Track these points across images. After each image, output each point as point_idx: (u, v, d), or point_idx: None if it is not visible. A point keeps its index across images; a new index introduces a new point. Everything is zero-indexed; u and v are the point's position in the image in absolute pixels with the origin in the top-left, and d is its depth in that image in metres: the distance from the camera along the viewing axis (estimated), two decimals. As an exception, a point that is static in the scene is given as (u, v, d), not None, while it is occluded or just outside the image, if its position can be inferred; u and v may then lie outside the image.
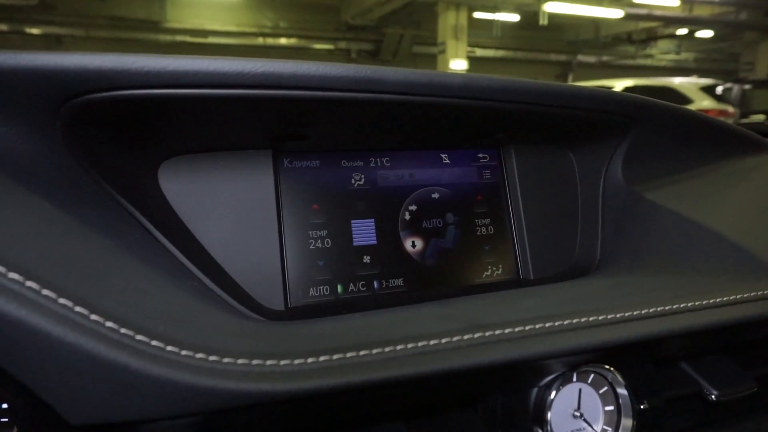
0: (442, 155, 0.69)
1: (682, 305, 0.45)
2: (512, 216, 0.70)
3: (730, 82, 7.71)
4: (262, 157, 0.58)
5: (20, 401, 0.31)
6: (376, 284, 0.62)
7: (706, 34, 12.83)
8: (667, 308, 0.45)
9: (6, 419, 0.36)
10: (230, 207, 0.56)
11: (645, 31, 12.82)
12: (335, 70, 0.46)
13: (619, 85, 7.83)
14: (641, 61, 14.93)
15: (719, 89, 7.45)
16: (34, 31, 10.51)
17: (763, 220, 0.64)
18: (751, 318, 0.46)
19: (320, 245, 0.60)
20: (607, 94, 0.63)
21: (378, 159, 0.66)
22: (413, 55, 13.04)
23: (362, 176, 0.64)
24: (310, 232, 0.60)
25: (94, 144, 0.44)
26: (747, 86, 7.64)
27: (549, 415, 0.44)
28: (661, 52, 15.01)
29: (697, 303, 0.46)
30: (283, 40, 12.40)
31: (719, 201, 0.69)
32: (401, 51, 12.86)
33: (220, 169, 0.56)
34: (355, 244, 0.62)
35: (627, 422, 0.46)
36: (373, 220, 0.64)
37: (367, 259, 0.62)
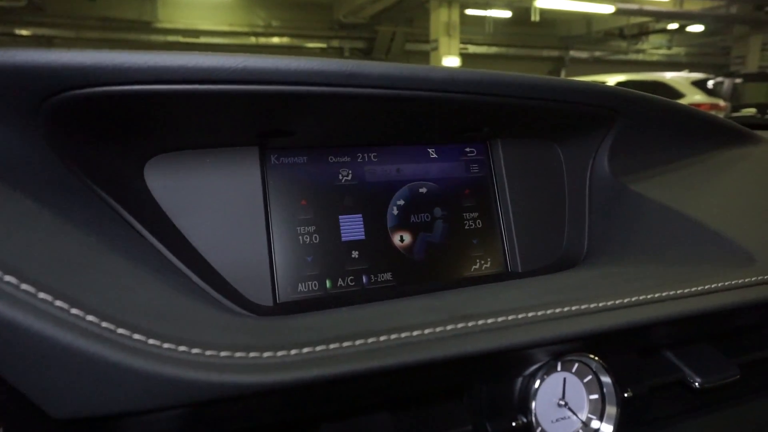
0: (429, 150, 0.70)
1: (664, 293, 0.46)
2: (500, 209, 0.71)
3: (721, 76, 7.76)
4: (249, 154, 0.58)
5: (2, 397, 0.31)
6: (364, 279, 0.63)
7: (696, 28, 12.89)
8: (649, 296, 0.45)
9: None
10: (217, 204, 0.56)
11: (636, 26, 12.86)
12: (318, 65, 0.46)
13: (611, 80, 7.86)
14: (633, 56, 14.99)
15: (710, 83, 7.49)
16: (24, 32, 10.44)
17: (746, 210, 0.64)
18: (732, 305, 0.47)
19: (308, 241, 0.60)
20: (592, 86, 0.63)
21: (365, 154, 0.66)
22: (406, 52, 13.03)
23: (350, 172, 0.64)
24: (298, 228, 0.60)
25: (77, 141, 0.44)
26: (738, 80, 7.69)
27: (534, 404, 0.44)
28: (653, 47, 15.08)
29: (679, 291, 0.46)
30: (275, 39, 12.38)
31: (704, 191, 0.69)
32: (394, 49, 12.86)
33: (206, 166, 0.56)
34: (343, 239, 0.63)
35: (611, 410, 0.47)
36: (361, 215, 0.64)
37: (355, 254, 0.63)
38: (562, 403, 0.46)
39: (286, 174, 0.61)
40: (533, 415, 0.44)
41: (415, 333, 0.36)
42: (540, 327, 0.40)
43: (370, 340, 0.35)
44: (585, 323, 0.42)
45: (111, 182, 0.48)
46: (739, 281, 0.49)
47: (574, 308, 0.42)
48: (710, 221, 0.59)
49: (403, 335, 0.36)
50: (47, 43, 10.62)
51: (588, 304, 0.43)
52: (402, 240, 0.65)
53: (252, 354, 0.32)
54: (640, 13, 11.05)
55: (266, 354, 0.33)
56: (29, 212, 0.36)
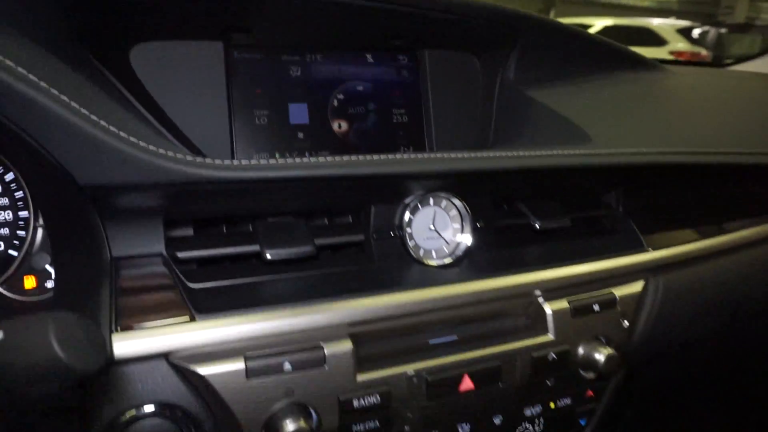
0: (367, 56, 0.85)
1: (518, 153, 0.63)
2: (423, 108, 0.87)
3: (708, 25, 7.75)
4: (215, 49, 0.73)
5: (33, 167, 0.47)
6: (307, 155, 0.79)
7: (690, -26, 12.67)
8: (506, 153, 0.62)
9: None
10: (189, 88, 0.71)
11: (630, -31, 12.59)
12: None
13: (598, 23, 7.83)
14: (624, 1, 14.76)
15: (696, 32, 7.50)
16: None
17: (612, 117, 0.82)
18: (566, 164, 0.64)
19: (263, 122, 0.76)
20: (493, 8, 0.78)
21: (312, 55, 0.81)
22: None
23: (299, 68, 0.80)
24: (255, 111, 0.76)
25: (79, 16, 0.59)
26: (723, 30, 7.70)
27: (412, 225, 0.63)
28: (646, -7, 14.83)
29: (530, 153, 0.63)
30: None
31: (586, 101, 0.87)
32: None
33: (180, 57, 0.71)
34: (291, 122, 0.79)
35: (467, 235, 0.65)
36: (306, 104, 0.80)
37: (300, 135, 0.79)
38: (432, 227, 0.64)
39: (246, 67, 0.77)
40: (410, 233, 0.63)
41: (336, 159, 0.54)
42: (414, 162, 0.57)
43: (307, 160, 0.52)
44: (452, 163, 0.58)
45: (103, 58, 0.63)
46: (576, 151, 0.66)
47: (446, 156, 0.59)
48: (578, 120, 0.77)
49: (328, 159, 0.53)
50: None
51: (458, 154, 0.60)
52: (340, 126, 0.82)
53: (217, 161, 0.49)
54: (635, -45, 10.81)
55: (228, 162, 0.49)
56: (41, 52, 0.50)
